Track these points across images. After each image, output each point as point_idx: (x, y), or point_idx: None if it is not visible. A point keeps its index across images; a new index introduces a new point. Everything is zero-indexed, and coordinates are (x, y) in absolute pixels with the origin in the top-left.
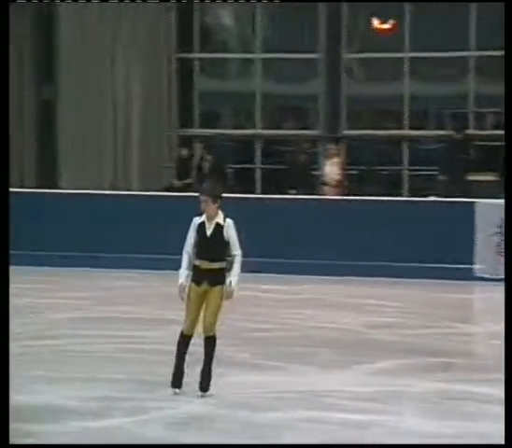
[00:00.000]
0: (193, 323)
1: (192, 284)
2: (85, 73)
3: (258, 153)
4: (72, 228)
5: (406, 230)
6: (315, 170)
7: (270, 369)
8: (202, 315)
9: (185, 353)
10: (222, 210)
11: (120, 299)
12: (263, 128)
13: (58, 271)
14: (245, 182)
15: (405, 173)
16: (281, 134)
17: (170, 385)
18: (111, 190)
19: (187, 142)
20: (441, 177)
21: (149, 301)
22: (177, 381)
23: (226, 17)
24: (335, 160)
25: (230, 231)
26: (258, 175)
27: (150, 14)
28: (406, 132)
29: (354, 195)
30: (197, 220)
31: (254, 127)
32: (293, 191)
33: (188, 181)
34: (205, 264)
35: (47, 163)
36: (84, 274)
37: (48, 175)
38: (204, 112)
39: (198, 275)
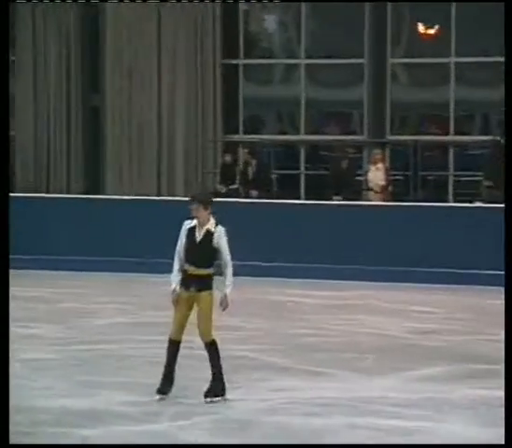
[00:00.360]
0: (180, 328)
1: (182, 288)
2: (131, 80)
3: (302, 159)
4: (117, 233)
5: (451, 235)
6: (359, 175)
7: (315, 375)
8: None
9: (174, 359)
10: (214, 216)
11: (166, 303)
12: (308, 133)
13: (102, 276)
14: (289, 188)
15: (451, 178)
16: (326, 140)
17: (156, 391)
18: (156, 196)
19: (231, 148)
20: (486, 183)
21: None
22: (164, 387)
23: (270, 22)
24: (380, 165)
25: (220, 239)
26: (302, 180)
27: (196, 20)
28: (452, 137)
29: (399, 201)
30: (188, 225)
31: (298, 133)
32: (338, 197)
33: (232, 187)
34: (192, 269)
35: (93, 169)
36: (129, 279)
37: (94, 181)
38: (248, 118)
39: (186, 280)
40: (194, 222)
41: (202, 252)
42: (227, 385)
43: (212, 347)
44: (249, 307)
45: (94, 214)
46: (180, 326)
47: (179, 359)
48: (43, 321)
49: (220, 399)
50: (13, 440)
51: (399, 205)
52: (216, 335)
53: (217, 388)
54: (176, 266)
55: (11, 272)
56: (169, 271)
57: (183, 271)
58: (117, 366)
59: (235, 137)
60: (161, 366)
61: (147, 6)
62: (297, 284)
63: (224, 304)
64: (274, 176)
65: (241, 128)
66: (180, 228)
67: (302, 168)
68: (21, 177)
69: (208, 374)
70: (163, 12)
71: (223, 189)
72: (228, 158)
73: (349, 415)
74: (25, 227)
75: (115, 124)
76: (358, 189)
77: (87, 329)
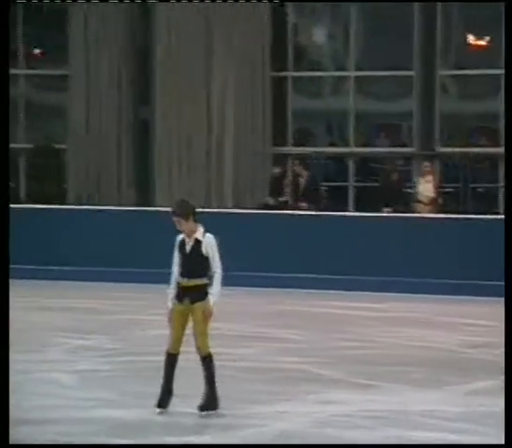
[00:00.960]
0: (177, 341)
1: (176, 301)
2: (180, 93)
3: (351, 171)
4: (165, 245)
5: (501, 247)
6: (409, 188)
7: (364, 387)
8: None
9: (172, 372)
10: (203, 225)
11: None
12: (357, 146)
13: (153, 287)
14: (338, 200)
15: (501, 190)
16: (375, 152)
17: (155, 404)
18: (205, 208)
19: (280, 160)
20: None
21: (240, 318)
22: (162, 401)
23: (319, 35)
24: (430, 177)
25: (209, 247)
26: (351, 192)
27: (245, 33)
28: (502, 149)
29: (448, 213)
30: (179, 238)
31: (348, 145)
32: (387, 209)
33: (281, 199)
34: (185, 281)
35: (143, 181)
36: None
37: (144, 192)
38: (297, 130)
39: (179, 293)
40: (183, 235)
41: (193, 262)
42: (276, 396)
43: (208, 362)
44: (296, 319)
45: (144, 226)
46: (177, 339)
47: (221, 370)
48: (95, 332)
49: (214, 412)
50: None
51: (449, 218)
52: (261, 346)
53: (211, 402)
54: (171, 282)
55: (64, 283)
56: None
57: (177, 284)
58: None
59: (285, 150)
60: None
61: (197, 20)
62: (343, 296)
63: (207, 314)
64: (323, 189)
65: (290, 140)
66: (229, 240)
67: (351, 180)
68: (72, 189)
69: (253, 385)
70: (213, 26)
71: (272, 202)
72: (277, 170)
73: (400, 428)
74: (74, 239)
75: (164, 136)
76: (407, 202)
77: (138, 341)
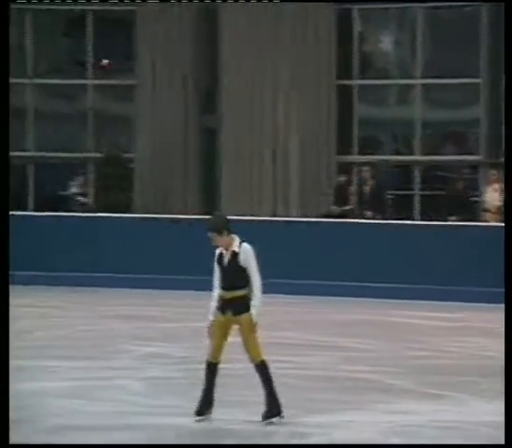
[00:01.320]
0: (217, 351)
1: (218, 313)
2: (246, 102)
3: (417, 179)
4: None
5: None
6: (475, 196)
7: (434, 397)
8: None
9: (212, 381)
10: (236, 236)
11: (281, 323)
12: (423, 154)
13: None
14: (404, 208)
15: None
16: (441, 160)
17: (194, 412)
18: (271, 217)
19: (345, 169)
20: None
21: (310, 327)
22: (202, 409)
23: (386, 42)
24: (497, 186)
25: (246, 257)
26: (417, 201)
27: (311, 42)
28: None
29: None
30: (217, 251)
31: (414, 153)
32: (453, 218)
33: (347, 207)
34: (226, 294)
35: (209, 190)
36: None
37: (210, 201)
38: (363, 138)
39: (222, 305)
40: (221, 248)
41: (232, 274)
42: (344, 405)
43: (262, 368)
44: (364, 328)
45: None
46: (217, 348)
47: (285, 379)
48: (165, 340)
49: (277, 418)
50: None
51: None
52: (328, 355)
53: (273, 408)
54: (213, 296)
55: (128, 291)
56: (288, 291)
57: (220, 297)
58: (235, 385)
59: (350, 158)
60: (278, 386)
61: (263, 28)
62: (409, 305)
63: (252, 325)
64: (388, 197)
65: (356, 149)
66: (296, 247)
67: (417, 189)
68: (139, 199)
69: (321, 394)
70: (278, 34)
71: (338, 210)
72: (342, 178)
73: (469, 439)
74: (140, 247)
75: (230, 145)
76: (474, 210)
77: (206, 349)
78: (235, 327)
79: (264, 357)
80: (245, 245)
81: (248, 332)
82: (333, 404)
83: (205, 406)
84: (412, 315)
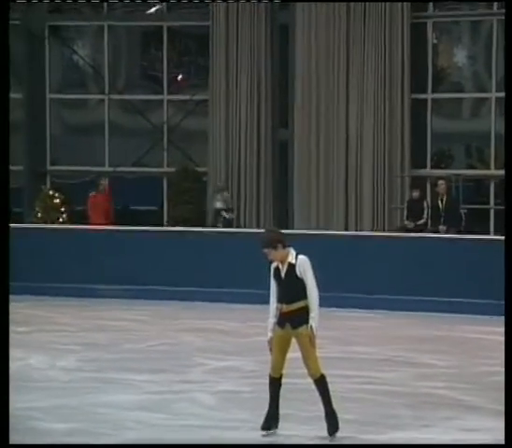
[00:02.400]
0: (278, 365)
1: (276, 327)
2: (319, 116)
3: (492, 193)
4: None
5: None
6: None
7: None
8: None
9: (277, 395)
10: (294, 249)
11: (356, 338)
12: (497, 168)
13: None
14: (479, 222)
15: None
16: None
17: (261, 427)
18: (343, 231)
19: (419, 183)
20: None
21: (384, 342)
22: (267, 423)
23: (460, 55)
24: None
25: (303, 268)
26: (492, 215)
27: (384, 54)
28: None
29: None
30: (273, 265)
31: (488, 167)
32: None
33: (420, 222)
34: (284, 307)
35: (282, 204)
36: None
37: (282, 215)
38: (436, 152)
39: (280, 319)
40: (277, 262)
41: (289, 287)
42: (417, 421)
43: (321, 383)
44: (437, 343)
45: None
46: (278, 362)
47: (362, 394)
48: (235, 354)
49: (338, 432)
50: None
51: None
52: (401, 371)
53: (334, 424)
54: (270, 312)
55: (198, 304)
56: (360, 305)
57: (277, 311)
58: (306, 399)
59: (423, 172)
60: (348, 401)
61: (335, 43)
62: (484, 320)
63: (312, 338)
64: (463, 211)
65: (429, 162)
66: (368, 262)
67: (491, 203)
68: (212, 212)
69: (395, 410)
70: (350, 47)
71: (411, 225)
72: (416, 193)
73: None
74: (213, 260)
75: (303, 159)
76: None
77: None
78: (294, 341)
79: (323, 372)
80: (301, 256)
81: (307, 346)
82: (407, 420)
83: (271, 420)
84: (483, 330)
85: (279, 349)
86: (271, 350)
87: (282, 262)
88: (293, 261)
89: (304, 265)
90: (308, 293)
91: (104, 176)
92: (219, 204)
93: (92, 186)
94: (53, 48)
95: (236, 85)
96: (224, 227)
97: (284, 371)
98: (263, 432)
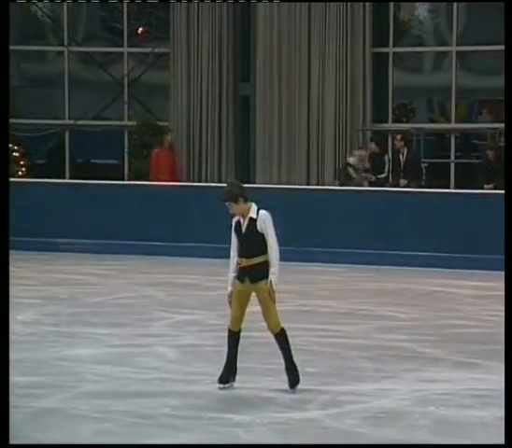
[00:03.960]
0: (237, 319)
1: (236, 281)
2: (280, 69)
3: (452, 147)
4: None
5: None
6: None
7: (468, 366)
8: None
9: (235, 349)
10: (256, 204)
11: (318, 292)
12: (458, 122)
13: None
14: (439, 177)
15: None
16: (477, 128)
17: (218, 380)
18: (305, 185)
19: (380, 137)
20: None
21: (345, 295)
22: (224, 376)
23: (421, 9)
24: None
25: (263, 223)
26: (452, 169)
27: (345, 9)
28: None
29: None
30: (234, 219)
31: (449, 121)
32: (489, 186)
33: (381, 176)
34: (244, 261)
35: (243, 158)
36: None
37: (244, 169)
38: (398, 106)
39: (240, 273)
40: (238, 216)
41: (249, 241)
42: (378, 374)
43: (281, 337)
44: (398, 297)
45: None
46: (237, 317)
47: (325, 347)
48: (197, 307)
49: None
50: (173, 422)
51: None
52: (362, 323)
53: (295, 376)
54: (230, 266)
55: (164, 258)
56: (321, 259)
57: (237, 265)
58: (267, 353)
59: (385, 126)
60: (309, 354)
61: None
62: (444, 273)
63: (271, 292)
64: (424, 165)
65: (390, 116)
66: (331, 216)
67: (452, 157)
68: None
69: (358, 362)
70: (312, 2)
71: (372, 178)
72: (372, 145)
73: (501, 408)
74: (176, 215)
75: (265, 113)
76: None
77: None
78: (254, 295)
79: (283, 326)
80: (263, 211)
81: (267, 300)
82: (369, 372)
83: (228, 374)
84: (443, 283)
85: (239, 303)
86: (230, 304)
87: (243, 217)
88: (255, 216)
89: (265, 220)
90: (269, 248)
91: (169, 131)
92: (352, 160)
93: (52, 139)
94: None
95: (198, 38)
96: (342, 184)
97: (243, 325)
98: (220, 385)
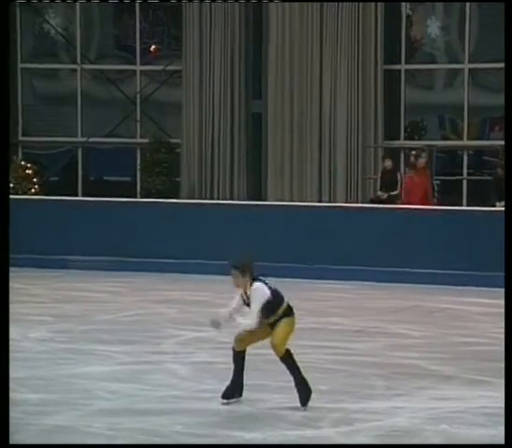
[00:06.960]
0: (243, 342)
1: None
2: (292, 87)
3: (465, 164)
4: (274, 239)
5: None
6: None
7: (480, 384)
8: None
9: (241, 365)
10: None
11: (330, 309)
12: (470, 139)
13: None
14: (451, 194)
15: None
16: (489, 145)
17: (221, 395)
18: (317, 202)
19: (393, 154)
20: None
21: (358, 313)
22: (230, 391)
23: (433, 27)
24: None
25: (252, 295)
26: (465, 186)
27: (357, 26)
28: None
29: None
30: (239, 293)
31: (461, 138)
32: (501, 204)
33: (393, 193)
34: (264, 322)
35: (255, 175)
36: (295, 285)
37: (256, 186)
38: (410, 123)
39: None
40: (241, 291)
41: (260, 311)
42: (391, 392)
43: (287, 359)
44: (410, 314)
45: (256, 220)
46: (243, 340)
47: (337, 365)
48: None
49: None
50: (182, 440)
51: None
52: (374, 341)
53: (306, 394)
54: (228, 306)
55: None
56: (334, 276)
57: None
58: (279, 370)
59: (396, 143)
60: (321, 372)
61: (309, 13)
62: (456, 291)
63: (215, 324)
64: (436, 182)
65: (402, 133)
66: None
67: (465, 174)
68: (186, 183)
69: (370, 379)
70: (324, 18)
71: (384, 196)
72: (388, 162)
73: None
74: (188, 233)
75: (277, 131)
76: None
77: None
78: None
79: (287, 347)
80: (254, 285)
81: (281, 332)
82: (381, 390)
83: (233, 389)
84: (455, 300)
85: (255, 334)
86: (213, 325)
87: (244, 292)
88: (249, 292)
89: (255, 292)
90: (250, 312)
91: (422, 152)
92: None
93: (65, 156)
94: (24, 16)
95: (210, 55)
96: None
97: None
98: (224, 400)
